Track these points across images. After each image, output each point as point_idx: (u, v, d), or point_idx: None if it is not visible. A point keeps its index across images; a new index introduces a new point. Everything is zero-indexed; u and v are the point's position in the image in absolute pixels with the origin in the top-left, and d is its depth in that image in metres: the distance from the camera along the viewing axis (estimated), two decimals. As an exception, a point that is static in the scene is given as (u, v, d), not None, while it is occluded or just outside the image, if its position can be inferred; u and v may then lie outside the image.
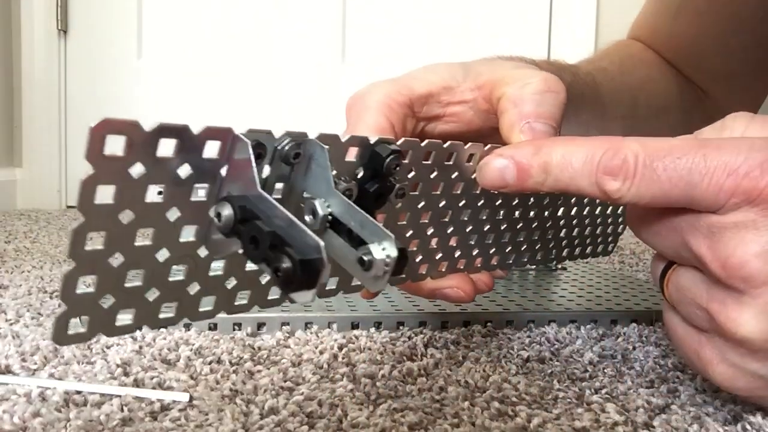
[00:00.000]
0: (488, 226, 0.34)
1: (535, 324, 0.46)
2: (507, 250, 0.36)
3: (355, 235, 0.22)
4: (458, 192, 0.31)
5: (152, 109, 1.57)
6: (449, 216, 0.31)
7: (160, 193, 0.20)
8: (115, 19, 1.58)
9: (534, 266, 0.57)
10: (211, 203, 0.22)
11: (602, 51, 0.62)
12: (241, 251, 0.22)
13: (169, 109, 1.56)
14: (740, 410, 0.31)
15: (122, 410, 0.30)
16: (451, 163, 0.29)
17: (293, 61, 1.57)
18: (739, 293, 0.26)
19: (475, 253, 0.34)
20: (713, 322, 0.27)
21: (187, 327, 0.43)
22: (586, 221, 0.40)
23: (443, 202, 0.30)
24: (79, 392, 0.32)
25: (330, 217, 0.23)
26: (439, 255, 0.32)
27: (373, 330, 0.44)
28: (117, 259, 0.20)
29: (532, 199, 0.35)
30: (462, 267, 0.34)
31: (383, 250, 0.21)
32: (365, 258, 0.22)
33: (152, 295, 0.22)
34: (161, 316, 0.23)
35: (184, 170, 0.20)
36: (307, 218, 0.23)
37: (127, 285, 0.21)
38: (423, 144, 0.27)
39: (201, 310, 0.24)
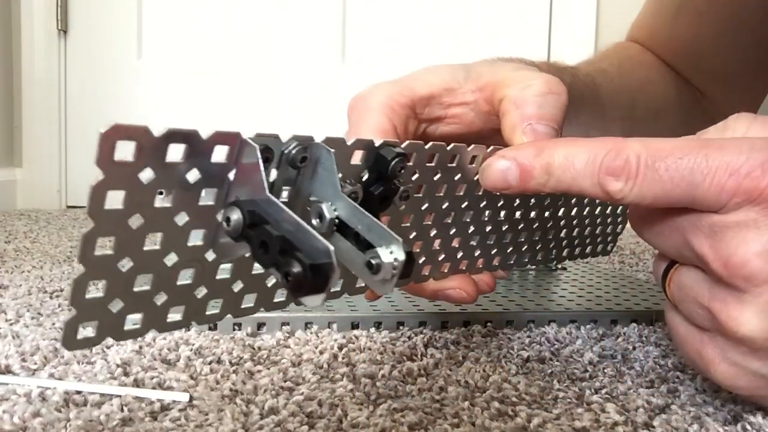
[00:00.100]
0: (490, 227, 0.34)
1: (535, 324, 0.46)
2: (508, 251, 0.36)
3: (362, 238, 0.22)
4: (461, 193, 0.31)
5: (152, 109, 1.57)
6: (452, 217, 0.31)
7: (161, 193, 0.20)
8: (115, 19, 1.58)
9: (534, 266, 0.57)
10: (219, 207, 0.22)
11: (601, 53, 0.63)
12: (248, 255, 0.22)
13: (169, 110, 1.56)
14: (740, 410, 0.31)
15: (122, 410, 0.30)
16: (454, 165, 0.29)
17: (293, 61, 1.57)
18: (740, 292, 0.26)
19: (477, 254, 0.34)
20: (715, 321, 0.27)
21: (187, 327, 0.43)
22: (586, 221, 0.40)
23: (446, 204, 0.31)
24: (79, 392, 0.32)
25: (337, 221, 0.23)
26: (442, 256, 0.32)
27: (373, 330, 0.44)
28: (126, 264, 0.21)
29: (533, 200, 0.35)
30: (464, 268, 0.34)
31: (391, 254, 0.22)
32: (373, 261, 0.22)
33: (160, 299, 0.22)
34: (169, 319, 0.23)
35: (193, 175, 0.20)
36: (314, 222, 0.23)
37: (135, 289, 0.21)
38: (427, 146, 0.27)
39: (208, 313, 0.24)
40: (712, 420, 0.30)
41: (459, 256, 0.33)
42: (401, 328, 0.44)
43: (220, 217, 0.22)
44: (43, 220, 1.24)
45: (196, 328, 0.42)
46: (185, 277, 0.23)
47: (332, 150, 0.23)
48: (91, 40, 1.59)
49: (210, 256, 0.23)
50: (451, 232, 0.32)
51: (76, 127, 1.59)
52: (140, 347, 0.39)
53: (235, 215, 0.21)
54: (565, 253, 0.41)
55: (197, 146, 0.20)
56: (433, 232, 0.31)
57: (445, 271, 0.33)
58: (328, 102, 1.54)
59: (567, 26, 1.52)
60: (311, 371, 0.35)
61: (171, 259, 0.22)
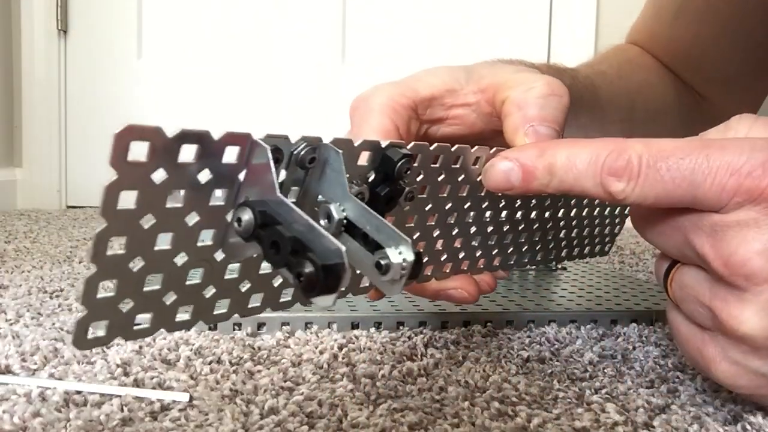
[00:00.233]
0: (491, 228, 0.34)
1: (535, 324, 0.46)
2: (509, 251, 0.36)
3: (371, 239, 0.23)
4: (464, 194, 0.31)
5: (152, 109, 1.57)
6: (455, 218, 0.32)
7: (172, 193, 0.20)
8: (115, 19, 1.58)
9: (534, 266, 0.57)
10: (229, 208, 0.22)
11: (601, 55, 0.63)
12: (256, 255, 0.22)
13: (169, 110, 1.56)
14: (740, 410, 0.31)
15: (122, 410, 0.30)
16: (458, 166, 0.29)
17: (293, 61, 1.57)
18: (741, 291, 0.26)
19: (478, 254, 0.34)
20: (716, 319, 0.27)
21: (195, 326, 0.43)
22: (585, 222, 0.40)
23: (449, 205, 0.31)
24: (79, 392, 0.32)
25: (345, 221, 0.23)
26: (444, 256, 0.33)
27: (373, 330, 0.44)
28: (137, 264, 0.21)
29: (533, 201, 0.35)
30: (465, 268, 0.34)
31: (400, 254, 0.22)
32: (382, 262, 0.22)
33: (169, 298, 0.22)
34: (177, 319, 0.23)
35: (204, 175, 0.21)
36: (322, 222, 0.23)
37: (146, 289, 0.21)
38: (432, 148, 0.28)
39: (216, 312, 0.24)
40: (712, 420, 0.30)
41: (461, 257, 0.34)
42: (401, 328, 0.44)
43: (229, 217, 0.22)
44: (43, 220, 1.24)
45: (196, 328, 0.42)
46: (194, 277, 0.23)
47: (341, 151, 0.23)
48: (91, 40, 1.59)
49: (219, 256, 0.23)
50: (454, 233, 0.32)
51: (76, 127, 1.59)
52: (140, 347, 0.39)
53: (247, 215, 0.21)
54: (564, 254, 0.41)
55: (209, 147, 0.20)
56: (436, 233, 0.31)
57: (447, 271, 0.33)
58: (328, 102, 1.54)
59: (567, 26, 1.52)
60: (311, 371, 0.35)
61: (181, 258, 0.22)
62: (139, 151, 0.19)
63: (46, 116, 1.58)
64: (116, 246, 0.20)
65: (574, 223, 0.40)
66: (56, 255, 0.78)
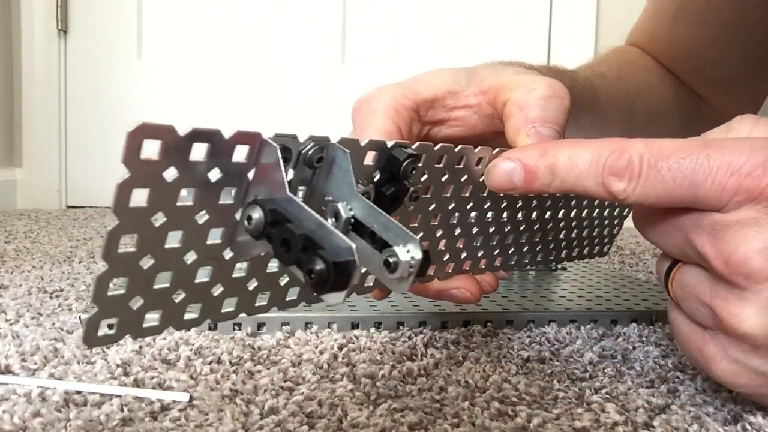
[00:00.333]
0: (493, 228, 0.34)
1: (535, 324, 0.46)
2: (510, 252, 0.36)
3: (378, 237, 0.23)
4: (467, 195, 0.31)
5: (152, 109, 1.57)
6: (457, 218, 0.32)
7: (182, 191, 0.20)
8: (115, 19, 1.58)
9: (534, 267, 0.57)
10: (238, 206, 0.22)
11: (601, 56, 0.63)
12: (263, 254, 0.23)
13: (169, 110, 1.56)
14: (740, 410, 0.31)
15: (122, 410, 0.30)
16: (461, 166, 0.30)
17: (293, 61, 1.57)
18: (741, 289, 0.26)
19: (480, 254, 0.35)
20: (716, 318, 0.27)
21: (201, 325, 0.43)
22: (584, 223, 0.41)
23: (452, 205, 0.31)
24: (79, 392, 0.32)
25: (352, 220, 0.23)
26: (447, 256, 0.33)
27: (373, 330, 0.44)
28: (147, 262, 0.21)
29: (534, 202, 0.35)
30: (467, 268, 0.34)
31: (408, 252, 0.22)
32: (391, 260, 0.22)
33: (178, 296, 0.23)
34: (186, 317, 0.23)
35: (214, 174, 0.21)
36: (330, 221, 0.23)
37: (155, 287, 0.22)
38: (436, 148, 0.28)
39: (223, 311, 0.25)
40: (712, 420, 0.30)
41: (463, 257, 0.34)
42: (401, 328, 0.44)
43: (238, 216, 0.22)
44: (43, 220, 1.24)
45: (196, 328, 0.42)
46: (203, 275, 0.23)
47: (348, 150, 0.23)
48: (91, 40, 1.59)
49: (227, 254, 0.23)
50: (456, 233, 0.32)
51: (76, 127, 1.59)
52: (140, 347, 0.39)
53: (257, 214, 0.21)
54: (563, 254, 0.41)
55: (219, 146, 0.20)
56: (439, 233, 0.31)
57: (449, 271, 0.34)
58: (328, 102, 1.54)
59: (567, 26, 1.52)
60: (311, 371, 0.35)
61: (190, 257, 0.22)
62: (150, 150, 0.19)
63: (46, 116, 1.57)
64: (127, 244, 0.20)
65: (573, 224, 0.40)
66: (56, 255, 0.78)
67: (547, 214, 0.37)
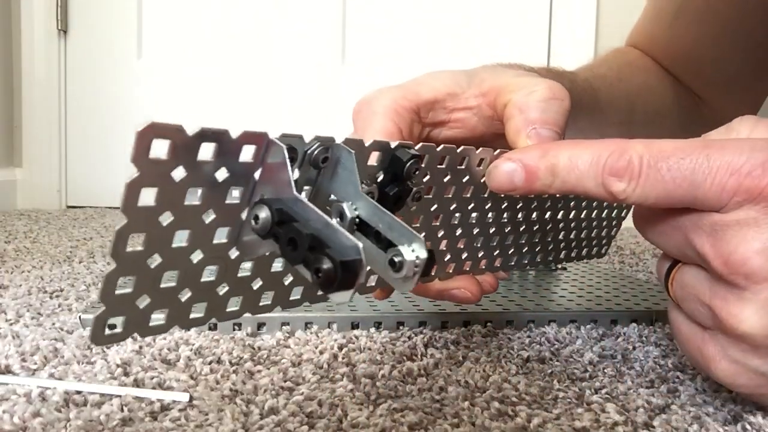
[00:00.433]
0: (494, 229, 0.34)
1: (535, 324, 0.46)
2: (510, 252, 0.37)
3: (383, 237, 0.23)
4: (468, 195, 0.31)
5: (152, 110, 1.57)
6: (459, 218, 0.32)
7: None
8: (115, 19, 1.58)
9: (533, 267, 0.57)
10: (244, 206, 0.22)
11: (600, 58, 0.63)
12: (268, 253, 0.23)
13: (169, 110, 1.56)
14: (740, 410, 0.31)
15: (122, 410, 0.30)
16: (463, 167, 0.30)
17: (293, 61, 1.57)
18: (740, 290, 0.26)
19: (480, 254, 0.35)
20: (716, 318, 0.27)
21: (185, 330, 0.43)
22: (583, 224, 0.41)
23: (454, 205, 0.31)
24: (79, 392, 0.32)
25: (357, 220, 0.23)
26: (448, 256, 0.33)
27: (373, 330, 0.44)
28: (155, 260, 0.21)
29: (534, 203, 0.36)
30: (468, 268, 0.35)
31: (413, 252, 0.22)
32: (396, 259, 0.22)
33: (184, 295, 0.23)
34: (191, 316, 0.23)
35: (221, 173, 0.21)
36: (335, 221, 0.23)
37: (162, 286, 0.22)
38: (438, 149, 0.28)
39: (228, 310, 0.25)
40: (712, 420, 0.30)
41: (464, 257, 0.34)
42: (401, 328, 0.44)
43: (244, 215, 0.22)
44: (43, 220, 1.24)
45: (196, 328, 0.42)
46: (209, 275, 0.23)
47: (353, 151, 0.23)
48: (91, 40, 1.59)
49: (233, 254, 0.23)
50: (458, 233, 0.32)
51: (76, 127, 1.59)
52: (140, 347, 0.39)
53: (264, 213, 0.21)
54: (562, 255, 0.41)
55: (226, 145, 0.20)
56: (440, 233, 0.32)
57: (450, 271, 0.34)
58: (328, 102, 1.54)
59: (567, 26, 1.52)
60: (311, 371, 0.35)
61: (197, 256, 0.22)
62: (158, 150, 0.19)
63: (46, 116, 1.57)
64: (135, 242, 0.20)
65: (572, 225, 0.40)
66: (56, 255, 0.78)
67: (547, 215, 0.37)
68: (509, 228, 0.35)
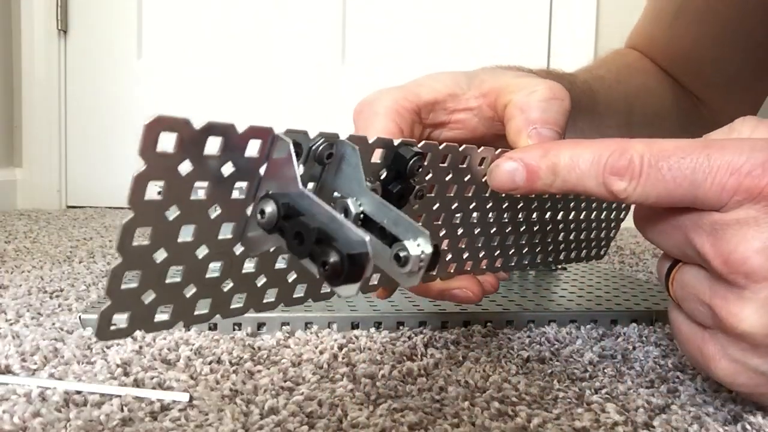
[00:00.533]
0: (494, 229, 0.34)
1: (535, 324, 0.46)
2: (510, 252, 0.37)
3: (388, 232, 0.23)
4: (469, 194, 0.31)
5: (152, 110, 1.56)
6: (460, 218, 0.32)
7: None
8: (115, 19, 1.58)
9: (533, 268, 0.57)
10: (249, 201, 0.22)
11: (599, 59, 0.63)
12: (272, 249, 0.23)
13: (169, 110, 1.56)
14: (740, 410, 0.31)
15: (122, 410, 0.30)
16: (464, 166, 0.30)
17: (293, 61, 1.57)
18: (740, 289, 0.26)
19: (481, 254, 0.35)
20: (716, 317, 0.27)
21: (187, 327, 0.43)
22: (582, 226, 0.41)
23: (455, 204, 0.31)
24: (79, 392, 0.32)
25: (362, 216, 0.23)
26: (449, 256, 0.33)
27: (373, 330, 0.44)
28: (160, 255, 0.21)
29: (534, 203, 0.36)
30: (468, 268, 0.35)
31: (418, 246, 0.22)
32: (401, 254, 0.22)
33: (189, 291, 0.23)
34: (196, 312, 0.23)
35: (227, 168, 0.21)
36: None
37: (167, 281, 0.22)
38: (441, 147, 0.28)
39: (232, 307, 0.25)
40: (712, 420, 0.30)
41: (465, 257, 0.34)
42: (401, 328, 0.44)
43: (249, 211, 0.22)
44: (43, 220, 1.24)
45: (195, 328, 0.42)
46: (213, 270, 0.23)
47: (357, 147, 0.23)
48: (91, 40, 1.59)
49: (238, 249, 0.23)
50: (459, 232, 0.33)
51: (76, 127, 1.59)
52: (140, 347, 0.39)
53: (270, 207, 0.21)
54: (561, 257, 0.41)
55: (232, 140, 0.20)
56: (442, 232, 0.32)
57: (451, 271, 0.34)
58: (328, 102, 1.54)
59: (567, 26, 1.52)
60: (311, 371, 0.35)
61: (202, 251, 0.22)
62: (165, 144, 0.19)
63: (46, 116, 1.57)
64: (141, 237, 0.20)
65: (571, 226, 0.40)
66: (56, 255, 0.78)
67: (547, 216, 0.37)
68: (509, 228, 0.35)
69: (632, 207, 0.33)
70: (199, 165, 0.20)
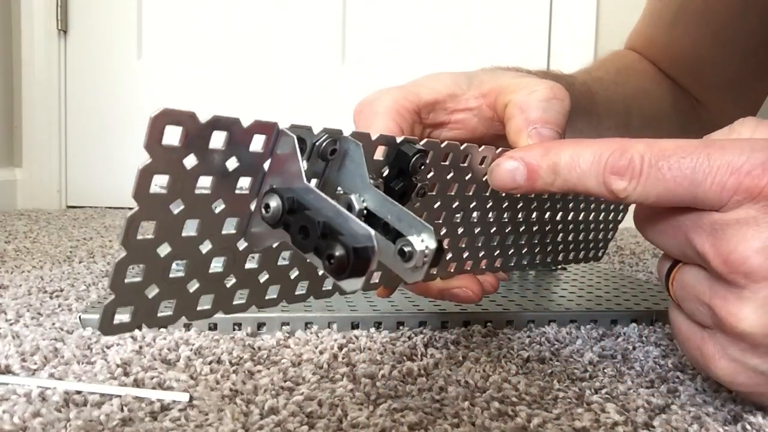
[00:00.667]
0: (494, 228, 0.34)
1: (535, 324, 0.46)
2: (510, 252, 0.37)
3: (392, 228, 0.23)
4: (470, 193, 0.31)
5: (152, 110, 1.56)
6: (461, 217, 0.32)
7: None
8: (115, 19, 1.58)
9: (532, 269, 0.58)
10: (252, 196, 0.22)
11: (599, 61, 0.63)
12: (276, 245, 0.23)
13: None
14: (740, 410, 0.31)
15: (122, 410, 0.30)
16: (465, 164, 0.30)
17: (293, 61, 1.57)
18: (740, 288, 0.26)
19: (481, 254, 0.35)
20: (715, 317, 0.27)
21: (187, 327, 0.43)
22: (580, 227, 0.41)
23: (456, 203, 0.31)
24: (79, 392, 0.32)
25: (365, 212, 0.24)
26: (450, 255, 0.33)
27: (373, 330, 0.44)
28: (164, 249, 0.21)
29: (534, 203, 0.36)
30: (468, 268, 0.35)
31: (422, 242, 0.22)
32: (406, 249, 0.22)
33: (192, 286, 0.23)
34: (199, 307, 0.23)
35: (232, 163, 0.21)
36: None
37: (171, 276, 0.22)
38: (443, 145, 0.28)
39: (235, 302, 0.25)
40: (712, 420, 0.30)
41: (465, 256, 0.34)
42: (401, 328, 0.44)
43: (253, 206, 0.22)
44: (43, 220, 1.24)
45: (195, 328, 0.42)
46: (217, 266, 0.23)
47: (360, 143, 0.24)
48: (91, 40, 1.59)
49: (241, 245, 0.23)
50: (459, 231, 0.33)
51: (76, 127, 1.59)
52: (140, 347, 0.39)
53: (275, 202, 0.21)
54: (560, 257, 0.41)
55: (237, 134, 0.20)
56: (443, 231, 0.32)
57: (452, 270, 0.34)
58: (328, 102, 1.54)
59: (567, 26, 1.52)
60: (311, 371, 0.35)
61: (205, 246, 0.22)
62: (170, 138, 0.19)
63: (46, 116, 1.57)
64: (144, 231, 0.20)
65: (570, 227, 0.40)
66: (56, 255, 0.78)
67: (546, 216, 0.37)
68: (509, 228, 0.35)
69: (631, 208, 0.33)
70: (204, 159, 0.20)
